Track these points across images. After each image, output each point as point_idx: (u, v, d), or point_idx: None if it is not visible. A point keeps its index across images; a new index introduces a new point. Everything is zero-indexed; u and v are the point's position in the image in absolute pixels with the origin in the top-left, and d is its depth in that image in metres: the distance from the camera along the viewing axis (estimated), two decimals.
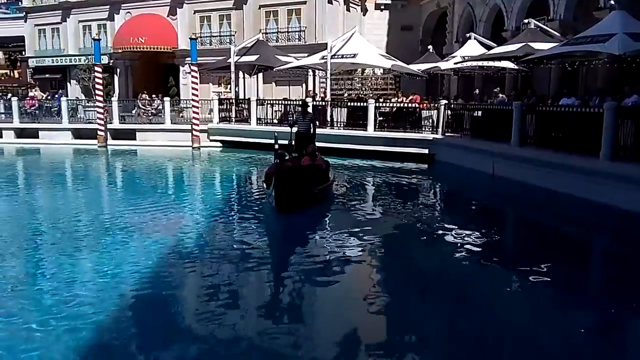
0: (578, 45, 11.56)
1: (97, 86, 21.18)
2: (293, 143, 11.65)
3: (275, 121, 19.17)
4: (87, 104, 23.68)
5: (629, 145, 9.58)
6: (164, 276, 6.31)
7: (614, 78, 13.88)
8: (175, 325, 5.04)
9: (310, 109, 14.65)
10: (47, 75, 33.59)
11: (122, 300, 5.50)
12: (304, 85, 25.36)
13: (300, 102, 14.01)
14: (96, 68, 21.31)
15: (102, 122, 20.83)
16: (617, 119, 9.70)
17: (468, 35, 19.96)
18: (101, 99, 20.97)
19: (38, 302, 5.45)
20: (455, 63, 18.59)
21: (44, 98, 25.56)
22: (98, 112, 20.94)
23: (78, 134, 22.13)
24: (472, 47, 18.60)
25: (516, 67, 17.14)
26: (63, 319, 5.02)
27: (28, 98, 25.14)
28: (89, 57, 26.46)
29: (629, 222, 8.73)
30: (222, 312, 5.32)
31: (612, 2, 12.62)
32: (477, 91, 19.27)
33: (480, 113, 14.65)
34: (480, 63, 18.00)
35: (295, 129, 12.00)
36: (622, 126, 9.69)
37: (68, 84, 32.73)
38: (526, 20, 16.04)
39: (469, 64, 18.18)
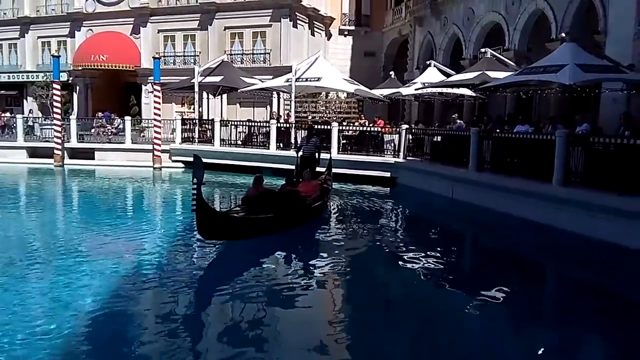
0: (531, 74, 12.03)
1: (55, 103, 20.64)
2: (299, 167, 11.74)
3: (239, 142, 19.12)
4: (43, 122, 23.01)
5: (579, 171, 9.98)
6: (114, 302, 6.11)
7: (565, 106, 14.53)
8: (127, 352, 4.91)
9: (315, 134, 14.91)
10: (2, 92, 32.62)
11: (73, 327, 5.32)
12: (268, 107, 25.49)
13: (307, 127, 14.54)
14: (54, 85, 20.80)
15: (59, 140, 20.27)
16: (568, 146, 10.10)
17: (428, 62, 20.58)
18: (59, 116, 20.44)
19: None
20: (416, 89, 19.08)
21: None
22: (55, 130, 20.38)
23: (33, 152, 21.42)
24: (432, 74, 19.15)
25: (474, 94, 17.72)
26: (13, 345, 4.84)
27: None
28: (48, 74, 25.87)
29: (579, 246, 9.06)
30: (176, 340, 5.22)
31: (563, 35, 13.27)
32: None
33: (439, 138, 15.01)
34: (439, 90, 18.54)
35: (300, 153, 12.34)
36: (573, 153, 10.10)
37: (24, 100, 31.86)
38: (483, 50, 16.67)
39: (429, 90, 18.68)
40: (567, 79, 10.74)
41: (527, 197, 10.57)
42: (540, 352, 5.27)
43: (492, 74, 14.38)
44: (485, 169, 12.40)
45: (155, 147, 19.80)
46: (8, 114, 23.86)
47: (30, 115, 25.86)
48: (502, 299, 6.67)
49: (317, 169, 12.57)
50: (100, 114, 23.84)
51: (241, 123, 19.87)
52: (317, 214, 10.61)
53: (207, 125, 20.30)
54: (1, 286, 6.53)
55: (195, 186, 7.21)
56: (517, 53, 17.69)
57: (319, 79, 18.21)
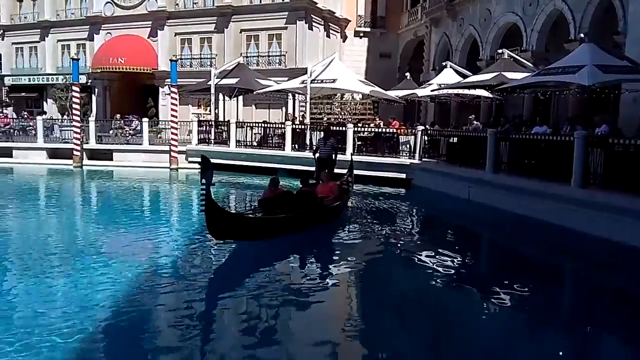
0: (550, 75, 11.90)
1: (74, 105, 20.96)
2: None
3: (254, 144, 19.21)
4: (63, 123, 23.39)
5: (599, 173, 9.84)
6: (132, 302, 6.16)
7: (584, 107, 14.35)
8: (144, 352, 4.97)
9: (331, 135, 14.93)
10: (23, 94, 33.22)
11: (92, 327, 5.38)
12: (283, 108, 25.58)
13: (323, 128, 14.49)
14: (74, 87, 21.12)
15: (78, 141, 20.58)
16: (587, 148, 9.96)
17: (444, 63, 20.48)
18: (78, 118, 20.75)
19: (5, 328, 5.30)
20: (432, 90, 18.99)
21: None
22: (74, 132, 20.70)
23: (53, 153, 21.78)
24: (448, 75, 19.06)
25: (490, 95, 17.59)
26: (30, 344, 4.91)
27: (2, 116, 24.75)
28: (67, 76, 26.27)
29: (597, 248, 8.93)
30: (193, 341, 5.26)
31: (582, 35, 13.12)
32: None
33: (456, 139, 14.92)
34: (456, 91, 18.44)
35: (317, 155, 12.43)
36: (592, 154, 9.96)
37: (44, 102, 32.40)
38: (500, 51, 16.54)
39: (445, 91, 18.59)
40: (587, 80, 10.62)
41: (545, 199, 10.45)
42: (558, 355, 5.22)
43: (510, 75, 14.26)
44: (502, 171, 12.29)
45: (172, 148, 20.00)
46: (44, 116, 24.16)
47: (66, 117, 26.11)
48: (519, 301, 6.62)
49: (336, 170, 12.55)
50: (118, 115, 24.15)
51: (257, 124, 19.98)
52: (335, 215, 10.61)
53: (223, 127, 20.43)
54: (22, 286, 6.67)
55: (204, 186, 7.26)
56: (534, 54, 17.53)
57: (334, 81, 18.23)
